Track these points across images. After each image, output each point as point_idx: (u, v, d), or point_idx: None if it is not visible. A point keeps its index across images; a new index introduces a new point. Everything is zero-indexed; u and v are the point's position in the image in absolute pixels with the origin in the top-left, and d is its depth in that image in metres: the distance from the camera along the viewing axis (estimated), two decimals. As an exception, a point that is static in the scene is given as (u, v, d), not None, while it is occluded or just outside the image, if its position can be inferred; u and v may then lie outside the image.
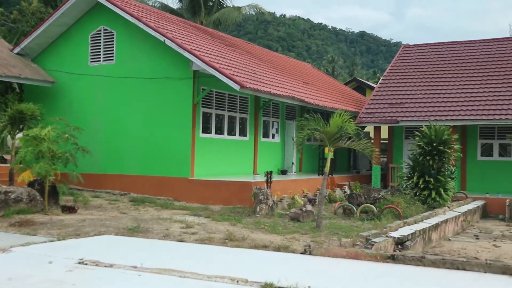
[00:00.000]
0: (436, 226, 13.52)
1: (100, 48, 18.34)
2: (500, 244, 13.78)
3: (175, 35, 17.33)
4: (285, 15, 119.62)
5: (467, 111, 20.38)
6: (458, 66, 23.96)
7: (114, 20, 17.84)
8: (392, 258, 8.17)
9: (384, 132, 24.08)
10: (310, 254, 8.67)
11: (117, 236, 10.12)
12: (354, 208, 14.30)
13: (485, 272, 7.55)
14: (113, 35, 18.11)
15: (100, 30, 18.36)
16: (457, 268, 7.75)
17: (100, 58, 18.34)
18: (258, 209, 14.03)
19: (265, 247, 9.54)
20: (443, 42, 26.86)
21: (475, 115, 20.06)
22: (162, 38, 16.57)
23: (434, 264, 7.90)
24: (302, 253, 8.82)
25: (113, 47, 18.07)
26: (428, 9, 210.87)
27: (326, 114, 20.43)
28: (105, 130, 17.94)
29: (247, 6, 32.46)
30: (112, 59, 18.05)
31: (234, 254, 8.78)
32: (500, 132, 21.60)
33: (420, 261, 7.99)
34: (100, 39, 18.35)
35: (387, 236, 10.91)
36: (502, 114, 19.65)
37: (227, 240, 9.99)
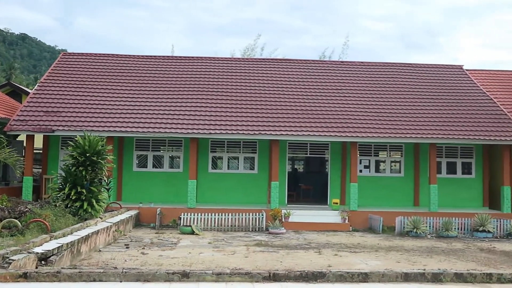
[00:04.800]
0: (86, 238, 13.20)
1: None
2: (148, 251, 14.32)
3: None
4: None
5: (123, 123, 20.81)
6: (119, 79, 24.32)
7: None
8: (25, 276, 7.49)
9: (41, 142, 22.81)
10: None
11: None
12: (-5, 224, 12.86)
13: (121, 281, 7.55)
14: None
15: None
16: (94, 280, 7.56)
17: None
18: None
19: None
20: (106, 54, 26.90)
21: (131, 128, 20.62)
22: None
23: (71, 278, 7.54)
24: None
25: None
26: (97, 20, 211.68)
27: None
28: None
29: None
30: None
31: None
32: (154, 145, 22.82)
33: (55, 276, 7.53)
34: None
35: (29, 252, 10.10)
36: (151, 127, 20.69)
37: None
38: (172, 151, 23.37)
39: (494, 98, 24.64)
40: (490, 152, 23.87)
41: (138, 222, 20.10)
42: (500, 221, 20.04)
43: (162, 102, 22.59)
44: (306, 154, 24.22)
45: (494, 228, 19.70)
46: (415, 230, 19.07)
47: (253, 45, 44.31)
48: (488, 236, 19.42)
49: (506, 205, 21.58)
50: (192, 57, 27.22)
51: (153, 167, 22.92)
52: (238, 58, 30.47)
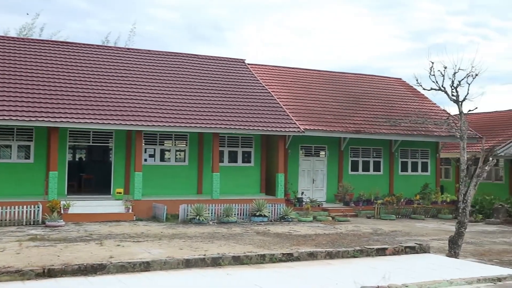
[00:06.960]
0: None
1: None
2: None
3: None
4: None
5: None
6: None
7: None
8: None
9: None
10: None
11: None
12: None
13: None
14: None
15: None
16: None
17: None
18: None
19: None
20: None
21: None
22: None
23: None
24: None
25: None
26: None
27: None
28: None
29: None
30: None
31: None
32: None
33: None
34: None
35: None
36: None
37: None
38: None
39: (272, 91, 26.47)
40: (267, 142, 25.62)
41: None
42: (275, 206, 21.70)
43: None
44: (89, 142, 23.17)
45: (269, 212, 21.25)
46: (198, 217, 19.58)
47: (31, 25, 40.54)
48: (264, 220, 20.85)
49: (279, 191, 23.42)
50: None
51: None
52: (13, 37, 27.78)
